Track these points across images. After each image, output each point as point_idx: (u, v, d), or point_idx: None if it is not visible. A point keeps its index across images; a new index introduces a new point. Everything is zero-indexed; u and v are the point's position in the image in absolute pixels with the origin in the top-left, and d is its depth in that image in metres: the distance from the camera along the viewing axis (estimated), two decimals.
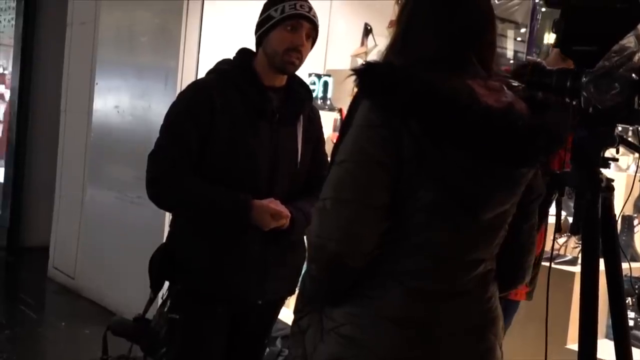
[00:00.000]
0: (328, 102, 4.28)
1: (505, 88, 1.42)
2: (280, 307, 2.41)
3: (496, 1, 4.19)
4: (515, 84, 1.54)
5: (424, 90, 1.30)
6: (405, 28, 1.47)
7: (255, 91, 2.17)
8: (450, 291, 1.43)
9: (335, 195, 1.36)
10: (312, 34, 2.19)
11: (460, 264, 1.44)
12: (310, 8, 2.18)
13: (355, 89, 1.41)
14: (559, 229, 1.74)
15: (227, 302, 2.19)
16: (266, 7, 2.20)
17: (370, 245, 1.36)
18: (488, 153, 1.34)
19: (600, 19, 1.53)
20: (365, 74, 1.37)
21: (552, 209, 1.78)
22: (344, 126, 1.45)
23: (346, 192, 1.35)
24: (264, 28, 2.17)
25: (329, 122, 4.08)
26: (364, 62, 1.41)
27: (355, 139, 1.37)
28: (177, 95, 2.28)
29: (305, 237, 2.30)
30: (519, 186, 1.45)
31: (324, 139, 2.41)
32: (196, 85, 2.25)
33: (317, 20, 2.20)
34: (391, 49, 1.48)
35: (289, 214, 2.14)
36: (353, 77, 1.38)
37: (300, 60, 2.18)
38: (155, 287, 2.19)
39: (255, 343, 2.35)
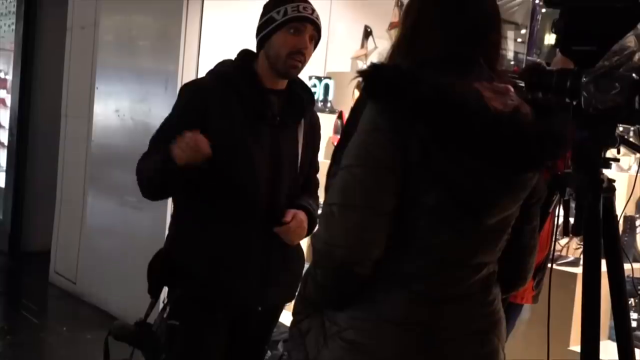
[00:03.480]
0: (329, 105, 4.28)
1: (510, 90, 1.42)
2: (281, 312, 2.40)
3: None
4: (522, 84, 1.54)
5: (432, 95, 1.29)
6: (411, 29, 1.46)
7: (255, 94, 2.14)
8: (453, 295, 1.42)
9: (343, 201, 1.35)
10: (315, 37, 2.16)
11: (463, 267, 1.43)
12: (313, 10, 2.15)
13: (357, 91, 1.40)
14: (566, 232, 1.73)
15: (227, 308, 2.17)
16: (268, 9, 2.16)
17: (379, 251, 1.35)
18: (495, 158, 1.34)
19: (600, 18, 1.52)
20: (371, 76, 1.35)
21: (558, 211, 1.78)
22: (347, 128, 1.44)
23: (354, 198, 1.34)
24: (266, 30, 2.13)
25: (329, 124, 4.07)
26: (370, 64, 1.40)
27: (361, 143, 1.36)
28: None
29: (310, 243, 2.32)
30: (524, 190, 1.45)
31: (319, 146, 2.40)
32: (191, 86, 2.21)
33: (320, 23, 2.17)
34: (396, 50, 1.47)
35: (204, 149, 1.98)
36: (357, 79, 1.36)
37: (303, 64, 2.15)
38: (154, 293, 2.17)
39: (255, 348, 2.33)
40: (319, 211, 2.04)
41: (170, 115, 2.17)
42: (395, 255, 1.38)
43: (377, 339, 1.38)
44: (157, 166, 2.03)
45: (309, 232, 2.19)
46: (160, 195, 2.25)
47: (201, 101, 2.10)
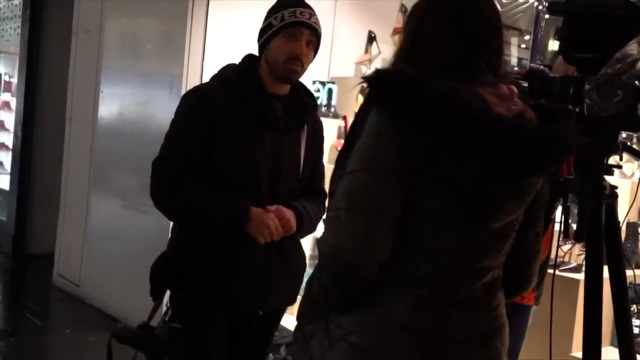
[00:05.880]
0: (332, 110, 4.28)
1: (515, 94, 1.42)
2: (282, 316, 2.40)
3: (500, 8, 4.18)
4: (525, 84, 1.54)
5: (436, 100, 1.30)
6: (413, 35, 1.46)
7: (259, 99, 2.15)
8: (457, 299, 1.43)
9: (349, 206, 1.35)
10: (313, 41, 2.17)
11: (468, 272, 1.44)
12: (311, 15, 2.16)
13: (361, 96, 1.40)
14: (566, 235, 1.74)
15: (229, 312, 2.18)
16: (268, 15, 2.19)
17: (385, 255, 1.36)
18: (499, 163, 1.34)
19: (602, 26, 1.53)
20: (376, 82, 1.36)
21: (559, 216, 1.78)
22: (351, 133, 1.44)
23: (360, 203, 1.35)
24: (265, 36, 2.17)
25: (333, 129, 4.08)
26: (374, 70, 1.41)
27: (366, 148, 1.37)
28: (180, 98, 2.24)
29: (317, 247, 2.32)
30: (528, 195, 1.45)
31: (323, 150, 2.41)
32: (198, 92, 2.22)
33: (319, 27, 2.18)
34: (399, 56, 1.48)
35: (292, 228, 2.13)
36: (361, 85, 1.37)
37: (303, 68, 2.17)
38: (156, 295, 2.18)
39: (257, 352, 2.34)
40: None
41: (178, 123, 2.17)
42: (401, 259, 1.39)
43: (381, 342, 1.39)
44: (217, 212, 2.10)
45: (299, 232, 2.20)
46: (181, 219, 2.24)
47: (210, 106, 2.11)
